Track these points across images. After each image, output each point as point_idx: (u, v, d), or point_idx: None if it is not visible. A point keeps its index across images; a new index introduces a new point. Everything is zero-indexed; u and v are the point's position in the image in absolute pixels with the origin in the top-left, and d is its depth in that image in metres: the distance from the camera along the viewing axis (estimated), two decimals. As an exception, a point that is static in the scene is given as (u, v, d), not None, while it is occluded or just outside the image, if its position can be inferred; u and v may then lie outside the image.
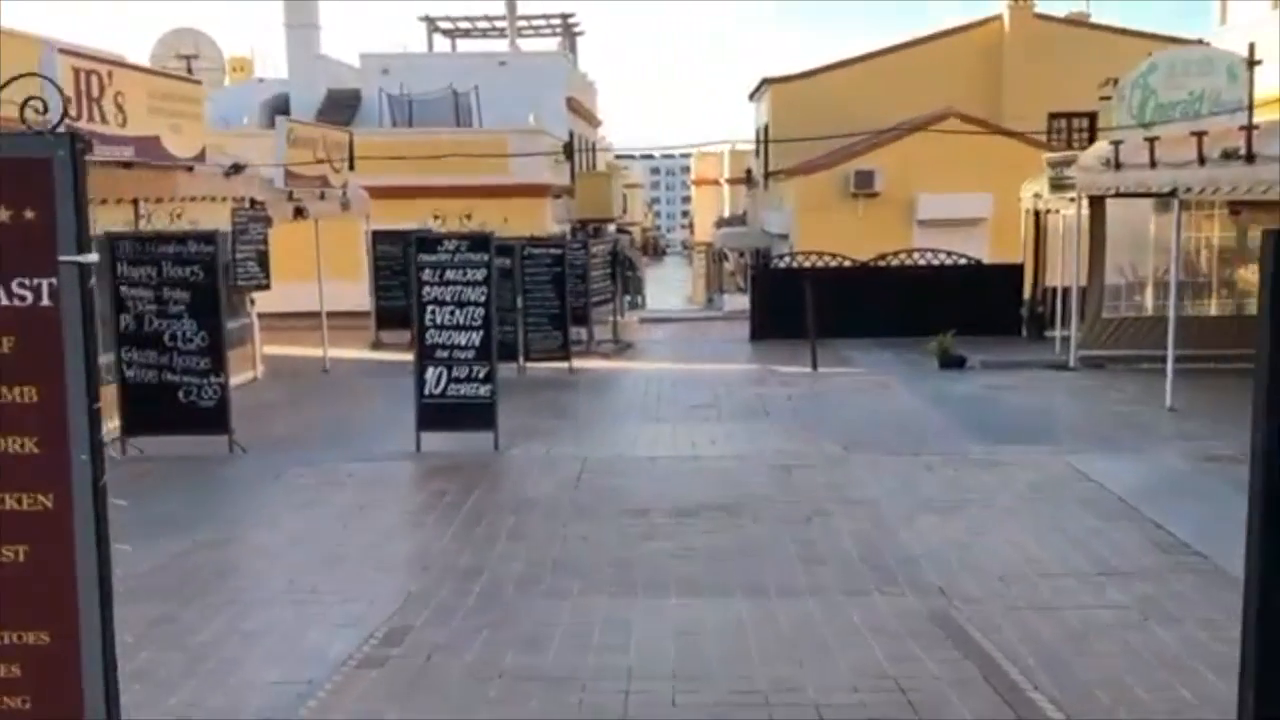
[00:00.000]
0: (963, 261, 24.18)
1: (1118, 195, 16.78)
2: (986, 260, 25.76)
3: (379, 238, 25.71)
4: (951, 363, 18.27)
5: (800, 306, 22.98)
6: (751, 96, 39.96)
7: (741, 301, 31.79)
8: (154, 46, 42.66)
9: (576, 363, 20.45)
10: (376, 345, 23.49)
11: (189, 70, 43.65)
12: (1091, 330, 18.18)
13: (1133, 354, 18.00)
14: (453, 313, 11.43)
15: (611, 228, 45.95)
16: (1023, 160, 29.47)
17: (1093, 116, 34.65)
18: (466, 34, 40.07)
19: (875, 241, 27.98)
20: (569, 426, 14.04)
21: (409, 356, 12.46)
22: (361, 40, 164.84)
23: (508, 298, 18.28)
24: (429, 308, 11.45)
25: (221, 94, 35.15)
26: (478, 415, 11.55)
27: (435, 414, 11.55)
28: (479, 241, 11.50)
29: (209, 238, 11.50)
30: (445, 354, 11.49)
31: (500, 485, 10.44)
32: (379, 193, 28.32)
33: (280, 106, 33.46)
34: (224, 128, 29.01)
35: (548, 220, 30.41)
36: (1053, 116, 34.41)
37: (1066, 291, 20.81)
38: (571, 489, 10.08)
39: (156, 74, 14.71)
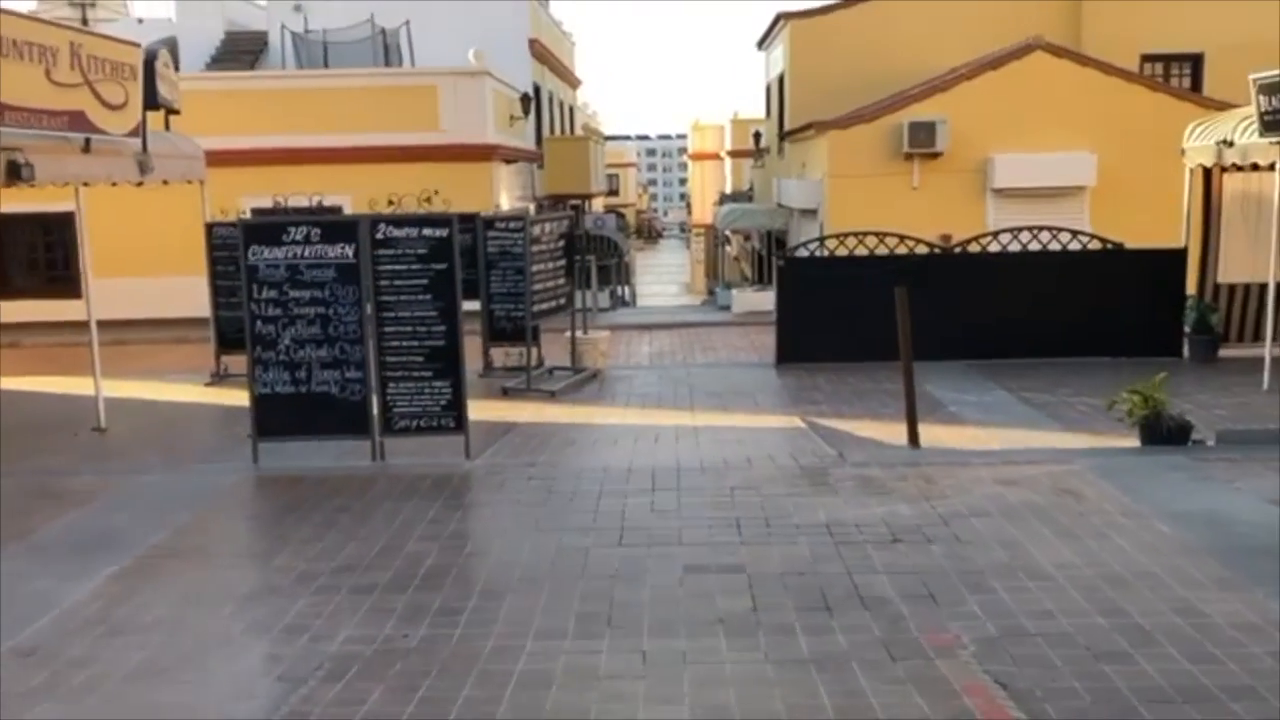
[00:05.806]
0: (1092, 245, 15.06)
1: None
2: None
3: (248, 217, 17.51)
4: (1169, 435, 9.19)
5: (852, 314, 14.54)
6: (761, 44, 30.76)
7: (755, 300, 22.75)
8: (40, -10, 33.58)
9: (502, 411, 11.73)
10: (218, 378, 14.43)
11: (84, 20, 34.41)
12: None
13: None
14: None
15: (597, 204, 36.95)
16: (1136, 109, 20.55)
17: (1196, 59, 25.62)
18: (412, -31, 30.69)
19: (935, 218, 19.19)
20: None
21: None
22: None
23: (349, 318, 9.32)
24: None
25: (87, 36, 26.04)
26: None
27: None
28: None
29: None
30: None
31: None
32: (251, 158, 19.47)
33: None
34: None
35: (496, 192, 21.34)
36: (1146, 59, 25.28)
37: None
38: None
39: None
